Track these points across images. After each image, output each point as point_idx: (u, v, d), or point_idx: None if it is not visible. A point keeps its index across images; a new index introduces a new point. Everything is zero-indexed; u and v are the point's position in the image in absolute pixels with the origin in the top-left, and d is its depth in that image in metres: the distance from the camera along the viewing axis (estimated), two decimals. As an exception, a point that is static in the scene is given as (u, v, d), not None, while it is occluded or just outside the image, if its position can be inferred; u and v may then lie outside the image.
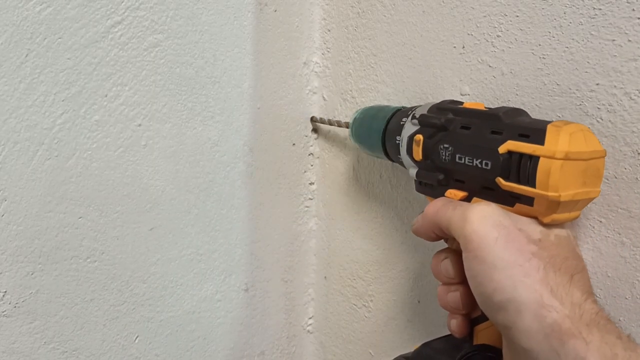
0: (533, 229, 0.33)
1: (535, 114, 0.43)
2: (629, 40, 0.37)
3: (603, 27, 0.38)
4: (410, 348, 0.56)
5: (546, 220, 0.33)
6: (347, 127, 0.54)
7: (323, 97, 0.63)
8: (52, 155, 0.43)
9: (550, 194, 0.32)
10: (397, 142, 0.44)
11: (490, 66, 0.45)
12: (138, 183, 0.49)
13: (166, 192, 0.51)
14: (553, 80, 0.41)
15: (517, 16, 0.43)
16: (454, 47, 0.48)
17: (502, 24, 0.44)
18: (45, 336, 0.45)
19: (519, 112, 0.37)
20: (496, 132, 0.35)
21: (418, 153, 0.41)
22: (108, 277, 0.48)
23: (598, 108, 0.39)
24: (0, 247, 0.41)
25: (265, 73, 0.57)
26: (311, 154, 0.64)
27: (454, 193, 0.38)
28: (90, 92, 0.44)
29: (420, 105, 0.43)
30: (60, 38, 0.42)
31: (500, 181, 0.34)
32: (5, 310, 0.42)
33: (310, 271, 0.67)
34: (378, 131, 0.47)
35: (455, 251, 0.39)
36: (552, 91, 0.41)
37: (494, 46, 0.45)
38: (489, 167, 0.35)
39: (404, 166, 0.44)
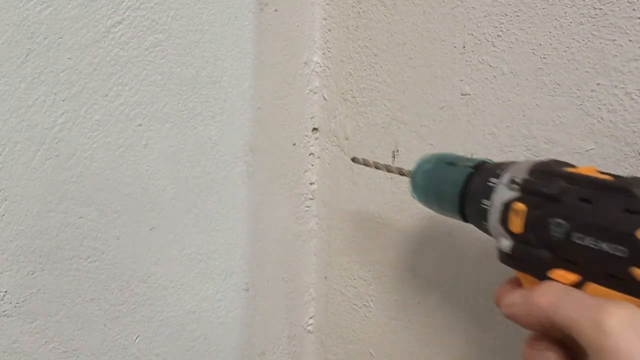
0: None
1: (536, 114, 0.42)
2: (630, 40, 0.37)
3: (604, 27, 0.38)
4: (410, 348, 0.56)
5: None
6: (405, 175, 0.45)
7: (324, 97, 0.63)
8: (52, 155, 0.43)
9: None
10: (485, 207, 0.36)
11: (491, 66, 0.45)
12: (138, 183, 0.49)
13: (167, 192, 0.51)
14: (554, 80, 0.41)
15: (518, 16, 0.43)
16: (455, 47, 0.48)
17: (502, 23, 0.44)
18: (45, 336, 0.45)
19: None
20: (631, 211, 0.29)
21: (517, 225, 0.33)
22: (108, 277, 0.48)
23: (599, 108, 0.39)
24: (1, 247, 0.41)
25: (266, 73, 0.57)
26: (312, 153, 0.64)
27: (563, 275, 0.31)
28: (91, 92, 0.44)
29: (515, 163, 0.36)
30: (60, 38, 0.42)
31: (637, 272, 0.28)
32: (5, 310, 0.42)
33: (311, 271, 0.67)
34: (453, 191, 0.39)
35: (562, 344, 0.32)
36: (552, 91, 0.41)
37: (494, 46, 0.45)
38: (623, 254, 0.29)
39: (490, 234, 0.37)
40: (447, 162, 0.41)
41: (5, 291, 0.42)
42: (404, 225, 0.56)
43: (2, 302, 0.42)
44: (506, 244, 0.35)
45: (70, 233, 0.45)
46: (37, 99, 0.41)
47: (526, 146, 0.44)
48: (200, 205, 0.54)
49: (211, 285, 0.57)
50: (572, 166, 0.34)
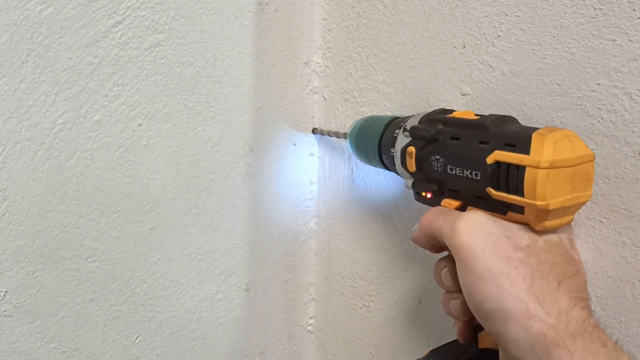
0: (521, 235, 0.33)
1: (536, 114, 0.42)
2: (630, 40, 0.37)
3: (604, 27, 0.38)
4: (410, 348, 0.56)
5: (538, 227, 0.33)
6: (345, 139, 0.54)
7: (324, 97, 0.63)
8: (52, 155, 0.43)
9: (538, 203, 0.31)
10: (392, 154, 0.44)
11: (491, 66, 0.45)
12: (139, 183, 0.49)
13: (167, 192, 0.51)
14: (554, 80, 0.41)
15: (518, 16, 0.43)
16: (455, 47, 0.48)
17: (502, 24, 0.44)
18: (46, 336, 0.45)
19: (506, 120, 0.37)
20: (484, 142, 0.35)
21: (412, 165, 0.41)
22: (109, 277, 0.48)
23: (599, 108, 0.39)
24: (1, 246, 0.41)
25: (266, 73, 0.57)
26: (312, 153, 0.64)
27: (449, 202, 0.38)
28: (91, 92, 0.44)
29: (412, 116, 0.43)
30: (61, 38, 0.42)
31: (491, 191, 0.34)
32: (6, 310, 0.42)
33: (311, 271, 0.67)
34: (374, 144, 0.47)
35: (453, 260, 0.39)
36: (552, 91, 0.41)
37: (494, 46, 0.45)
38: (479, 178, 0.35)
39: (402, 177, 0.45)
40: (371, 121, 0.49)
41: (6, 291, 0.42)
42: (404, 225, 0.56)
43: (2, 302, 0.42)
44: (409, 182, 0.43)
45: (70, 233, 0.45)
46: (37, 99, 0.41)
47: (526, 146, 0.44)
48: (200, 205, 0.54)
49: (211, 285, 0.57)
50: (454, 112, 0.41)
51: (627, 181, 0.38)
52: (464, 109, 0.48)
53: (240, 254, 0.59)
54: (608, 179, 0.39)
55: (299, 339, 0.68)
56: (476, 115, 0.39)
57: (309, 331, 0.69)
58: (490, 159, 0.34)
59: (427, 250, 0.54)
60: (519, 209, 0.33)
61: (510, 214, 0.34)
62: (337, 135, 0.58)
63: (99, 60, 0.44)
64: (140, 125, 0.48)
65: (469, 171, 0.36)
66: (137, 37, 0.46)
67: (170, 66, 0.49)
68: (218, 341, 0.58)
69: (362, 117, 0.52)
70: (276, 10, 0.57)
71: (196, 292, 0.55)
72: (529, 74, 0.43)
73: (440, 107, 0.44)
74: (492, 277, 0.31)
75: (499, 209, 0.34)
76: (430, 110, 0.43)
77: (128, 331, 0.50)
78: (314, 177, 0.65)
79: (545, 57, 0.42)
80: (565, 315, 0.30)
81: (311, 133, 0.63)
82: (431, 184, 0.40)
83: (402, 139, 0.42)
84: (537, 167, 0.31)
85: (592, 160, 0.34)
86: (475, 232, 0.33)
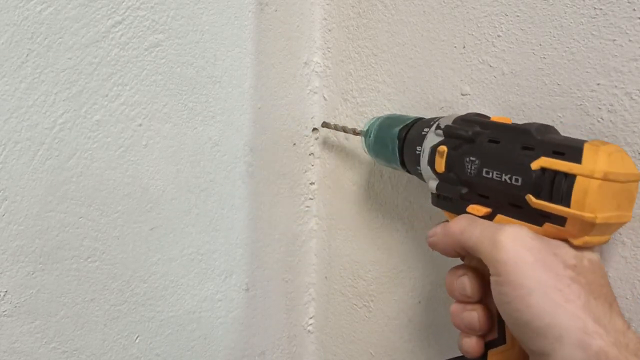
0: (567, 252, 0.32)
1: (536, 114, 0.42)
2: (630, 40, 0.37)
3: (604, 27, 0.38)
4: (410, 348, 0.56)
5: (577, 242, 0.32)
6: (360, 135, 0.52)
7: (324, 97, 0.63)
8: (52, 155, 0.43)
9: (586, 214, 0.30)
10: (418, 152, 0.42)
11: (491, 66, 0.45)
12: (139, 183, 0.49)
13: (167, 192, 0.51)
14: (554, 80, 0.41)
15: (518, 16, 0.43)
16: (455, 47, 0.48)
17: (502, 23, 0.44)
18: (46, 336, 0.45)
19: (549, 129, 0.36)
20: (528, 147, 0.34)
21: (441, 165, 0.39)
22: (109, 277, 0.48)
23: (599, 108, 0.39)
24: (1, 246, 0.41)
25: (266, 73, 0.57)
26: (312, 153, 0.64)
27: (477, 209, 0.36)
28: (91, 92, 0.44)
29: (444, 117, 0.41)
30: (61, 38, 0.42)
31: (531, 199, 0.33)
32: (6, 310, 0.42)
33: (311, 271, 0.67)
34: (395, 140, 0.45)
35: (474, 269, 0.37)
36: (552, 91, 0.41)
37: (494, 46, 0.45)
38: (519, 183, 0.33)
39: (423, 179, 0.42)
40: (393, 118, 0.48)
41: (5, 291, 0.42)
42: (404, 225, 0.56)
43: (2, 302, 0.42)
44: (433, 184, 0.40)
45: (70, 233, 0.45)
46: (37, 99, 0.41)
47: (526, 146, 0.44)
48: (200, 206, 0.54)
49: (211, 285, 0.57)
50: (489, 118, 0.39)
51: (627, 181, 0.38)
52: (464, 109, 0.48)
53: (240, 254, 0.59)
54: (608, 179, 0.39)
55: (299, 339, 0.68)
56: (513, 123, 0.38)
57: (309, 331, 0.69)
58: (535, 165, 0.32)
59: (426, 250, 0.54)
60: (560, 221, 0.32)
61: (547, 226, 0.32)
62: (345, 130, 0.56)
63: (99, 60, 0.44)
64: (140, 125, 0.48)
65: (509, 176, 0.34)
66: (137, 37, 0.46)
67: (170, 66, 0.49)
68: (218, 341, 0.58)
69: (380, 115, 0.51)
70: (276, 10, 0.57)
71: (196, 292, 0.55)
72: (529, 74, 0.43)
73: (473, 112, 0.42)
74: (544, 293, 0.30)
75: (535, 219, 0.33)
76: (464, 113, 0.41)
77: (128, 331, 0.50)
78: (314, 177, 0.65)
79: (545, 57, 0.42)
80: (623, 335, 0.29)
81: (311, 132, 0.63)
82: (460, 187, 0.38)
83: (432, 137, 0.40)
84: (590, 177, 0.30)
85: (638, 181, 0.32)
86: (521, 246, 0.31)
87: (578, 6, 0.39)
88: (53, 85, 0.42)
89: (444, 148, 0.39)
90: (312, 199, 0.65)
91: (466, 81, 0.47)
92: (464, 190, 0.37)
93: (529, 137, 0.34)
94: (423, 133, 0.42)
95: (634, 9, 0.37)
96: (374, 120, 0.50)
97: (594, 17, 0.39)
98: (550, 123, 0.42)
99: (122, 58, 0.45)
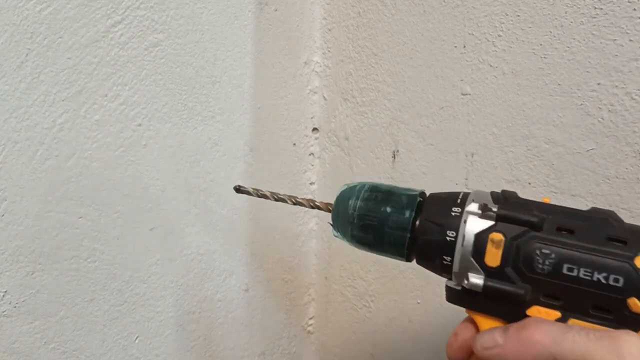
0: None
1: (536, 114, 0.42)
2: (630, 40, 0.37)
3: (604, 26, 0.38)
4: (410, 348, 0.56)
5: None
6: (322, 209, 0.38)
7: (324, 96, 0.63)
8: (52, 155, 0.43)
9: None
10: (450, 239, 0.32)
11: (491, 66, 0.45)
12: (138, 183, 0.48)
13: (166, 192, 0.51)
14: (554, 80, 0.41)
15: (519, 16, 0.43)
16: (455, 46, 0.48)
17: (503, 23, 0.44)
18: (45, 336, 0.45)
19: (613, 214, 0.31)
20: (617, 239, 0.28)
21: (495, 257, 0.31)
22: (108, 277, 0.48)
23: (599, 108, 0.39)
24: (1, 247, 0.41)
25: (266, 73, 0.57)
26: (312, 154, 0.64)
27: (545, 312, 0.30)
28: (91, 92, 0.44)
29: (471, 192, 0.33)
30: (60, 38, 0.42)
31: (636, 303, 0.27)
32: (5, 310, 0.42)
33: (311, 271, 0.67)
34: (402, 226, 0.33)
35: None
36: (553, 91, 0.41)
37: (495, 46, 0.45)
38: (619, 284, 0.28)
39: (445, 272, 0.33)
40: (381, 192, 0.35)
41: (5, 291, 0.42)
42: (404, 225, 0.56)
43: (2, 302, 0.42)
44: (476, 280, 0.31)
45: (70, 233, 0.45)
46: (36, 99, 0.41)
47: (527, 146, 0.44)
48: (200, 206, 0.54)
49: (211, 286, 0.56)
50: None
51: (628, 181, 0.38)
52: (465, 108, 0.48)
53: (240, 254, 0.59)
54: (608, 179, 0.39)
55: (298, 339, 0.68)
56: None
57: (309, 331, 0.69)
58: (639, 262, 0.27)
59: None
60: None
61: None
62: (267, 197, 0.40)
63: (98, 60, 0.44)
64: (140, 125, 0.48)
65: (604, 275, 0.28)
66: (136, 36, 0.46)
67: (170, 66, 0.49)
68: (218, 342, 0.58)
69: (347, 184, 0.37)
70: (276, 10, 0.57)
71: (196, 293, 0.55)
72: (530, 74, 0.43)
73: (503, 189, 0.34)
74: None
75: (628, 325, 0.28)
76: (482, 191, 0.33)
77: (128, 331, 0.50)
78: (314, 177, 0.65)
79: (546, 56, 0.41)
80: None
81: (311, 133, 0.63)
82: (519, 286, 0.30)
83: (476, 221, 0.31)
84: None
85: None
86: None
87: (578, 6, 0.39)
88: (52, 85, 0.42)
89: (499, 236, 0.30)
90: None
91: (466, 81, 0.47)
92: (524, 290, 0.30)
93: (610, 226, 0.29)
94: (454, 214, 0.32)
95: (634, 9, 0.37)
96: (343, 191, 0.36)
97: (595, 17, 0.39)
98: (550, 123, 0.42)
99: (121, 58, 0.45)
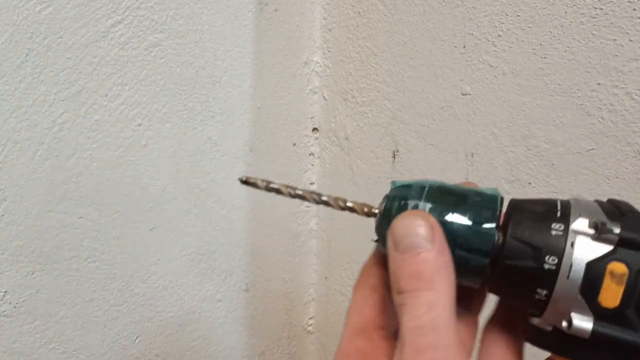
0: None
1: (536, 114, 0.42)
2: (630, 40, 0.37)
3: (604, 26, 0.38)
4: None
5: None
6: (370, 215, 0.28)
7: (324, 96, 0.62)
8: (52, 155, 0.43)
9: None
10: (549, 267, 0.24)
11: (491, 66, 0.45)
12: (138, 183, 0.48)
13: (166, 192, 0.51)
14: (554, 80, 0.41)
15: (519, 16, 0.43)
16: (455, 46, 0.48)
17: (503, 23, 0.44)
18: (45, 336, 0.45)
19: None
20: None
21: (614, 295, 0.23)
22: (108, 277, 0.48)
23: (599, 108, 0.39)
24: (1, 247, 0.41)
25: (266, 73, 0.57)
26: (312, 154, 0.64)
27: None
28: (91, 92, 0.44)
29: (573, 200, 0.25)
30: (60, 38, 0.42)
31: None
32: (5, 310, 0.42)
33: (311, 271, 0.67)
34: (482, 242, 0.24)
35: None
36: (553, 91, 0.41)
37: (495, 46, 0.45)
38: None
39: (535, 309, 0.24)
40: (453, 195, 0.25)
41: (5, 291, 0.42)
42: (404, 225, 0.56)
43: (2, 302, 0.42)
44: (584, 324, 0.24)
45: (70, 233, 0.45)
46: (36, 99, 0.41)
47: (527, 146, 0.44)
48: (200, 206, 0.54)
49: (211, 286, 0.56)
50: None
51: (628, 181, 0.38)
52: (465, 108, 0.48)
53: (240, 254, 0.59)
54: (608, 179, 0.39)
55: (298, 339, 0.68)
56: None
57: (308, 332, 0.69)
58: None
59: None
60: None
61: None
62: (289, 192, 0.29)
63: (98, 60, 0.44)
64: (140, 125, 0.48)
65: None
66: (136, 36, 0.46)
67: (170, 66, 0.49)
68: (218, 341, 0.58)
69: (400, 181, 0.28)
70: (276, 10, 0.57)
71: (196, 292, 0.55)
72: (530, 74, 0.43)
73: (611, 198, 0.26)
74: None
75: None
76: (586, 199, 0.25)
77: (128, 331, 0.50)
78: (314, 177, 0.65)
79: (546, 56, 0.41)
80: None
81: (311, 132, 0.63)
82: None
83: (587, 245, 0.23)
84: None
85: None
86: None
87: (578, 6, 0.39)
88: (52, 85, 0.42)
89: (622, 268, 0.23)
90: (312, 199, 0.65)
91: (466, 81, 0.47)
92: None
93: None
94: (555, 232, 0.24)
95: (634, 9, 0.37)
96: (399, 191, 0.27)
97: (595, 17, 0.39)
98: (550, 123, 0.42)
99: (121, 58, 0.45)
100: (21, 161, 0.41)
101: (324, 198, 0.28)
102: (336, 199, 0.28)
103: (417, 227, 0.23)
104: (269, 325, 0.64)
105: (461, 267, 0.24)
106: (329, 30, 0.61)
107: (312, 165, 0.64)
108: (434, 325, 0.21)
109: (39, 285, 0.44)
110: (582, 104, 0.40)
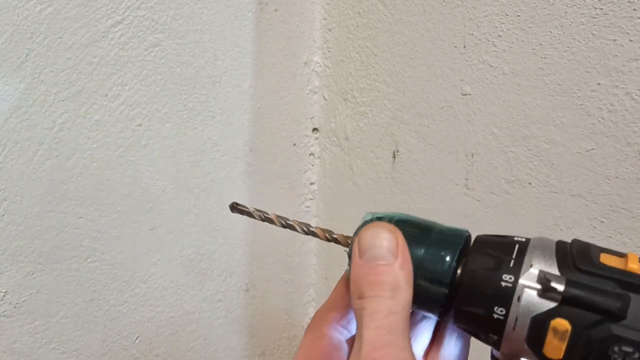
0: None
1: (536, 114, 0.42)
2: (631, 40, 0.37)
3: (604, 26, 0.38)
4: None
5: None
6: (342, 244, 0.30)
7: (324, 96, 0.63)
8: (52, 155, 0.43)
9: None
10: (499, 317, 0.24)
11: (491, 66, 0.45)
12: (138, 183, 0.48)
13: (167, 192, 0.51)
14: (554, 80, 0.41)
15: (519, 16, 0.43)
16: (455, 46, 0.48)
17: (503, 23, 0.44)
18: (45, 336, 0.45)
19: None
20: None
21: (557, 350, 0.23)
22: (108, 277, 0.48)
23: (599, 108, 0.39)
24: (1, 247, 0.41)
25: (266, 73, 0.57)
26: (312, 154, 0.64)
27: None
28: (91, 92, 0.44)
29: (532, 240, 0.25)
30: (60, 38, 0.42)
31: None
32: (5, 311, 0.42)
33: (311, 271, 0.67)
34: (439, 274, 0.25)
35: None
36: (553, 91, 0.41)
37: (495, 46, 0.45)
38: None
39: (492, 345, 0.26)
40: (416, 229, 0.26)
41: (5, 291, 0.42)
42: (404, 225, 0.56)
43: (2, 302, 0.42)
44: None
45: (70, 233, 0.45)
46: (37, 98, 0.41)
47: (527, 146, 0.44)
48: (200, 206, 0.54)
49: (211, 286, 0.56)
50: (603, 250, 0.24)
51: (628, 181, 0.38)
52: (465, 108, 0.47)
53: (240, 254, 0.59)
54: (609, 179, 0.39)
55: (299, 340, 0.68)
56: None
57: (309, 331, 0.69)
58: None
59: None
60: None
61: None
62: (280, 222, 0.31)
63: (98, 60, 0.44)
64: (140, 125, 0.48)
65: None
66: (136, 36, 0.46)
67: (170, 66, 0.49)
68: (218, 342, 0.58)
69: (372, 213, 0.29)
70: (276, 10, 0.57)
71: (196, 293, 0.55)
72: (530, 74, 0.43)
73: (574, 239, 0.25)
74: None
75: None
76: (550, 240, 0.25)
77: (128, 331, 0.50)
78: (314, 177, 0.65)
79: (546, 56, 0.41)
80: None
81: (311, 133, 0.63)
82: None
83: (534, 300, 0.24)
84: None
85: None
86: None
87: (578, 6, 0.39)
88: (52, 85, 0.42)
89: (565, 324, 0.23)
90: (312, 199, 0.65)
91: (467, 81, 0.47)
92: None
93: None
94: (505, 284, 0.24)
95: (634, 9, 0.37)
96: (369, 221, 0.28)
97: (595, 17, 0.39)
98: (550, 123, 0.42)
99: (121, 58, 0.45)
100: (21, 161, 0.41)
101: (312, 229, 0.30)
102: (323, 230, 0.30)
103: (383, 240, 0.24)
104: (269, 325, 0.64)
105: (422, 295, 0.25)
106: (329, 30, 0.61)
107: (312, 165, 0.64)
108: (392, 329, 0.22)
109: (39, 286, 0.44)
110: (582, 104, 0.40)
